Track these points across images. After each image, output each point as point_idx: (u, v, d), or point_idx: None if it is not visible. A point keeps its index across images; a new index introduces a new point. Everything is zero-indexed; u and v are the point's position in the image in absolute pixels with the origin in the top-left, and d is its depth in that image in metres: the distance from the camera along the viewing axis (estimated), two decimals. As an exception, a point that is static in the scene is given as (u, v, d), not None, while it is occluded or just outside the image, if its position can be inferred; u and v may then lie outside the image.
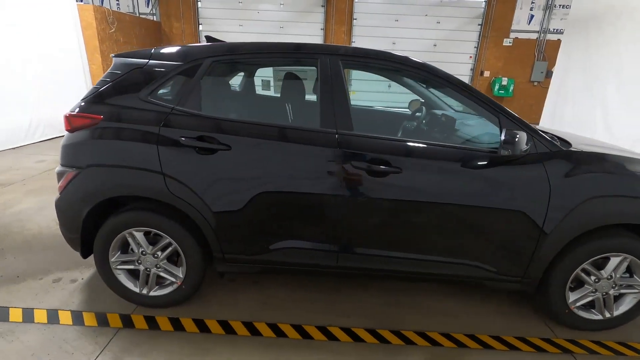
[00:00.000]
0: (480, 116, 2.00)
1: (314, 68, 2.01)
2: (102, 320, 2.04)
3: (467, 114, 2.58)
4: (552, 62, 8.81)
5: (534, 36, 10.06)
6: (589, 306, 2.09)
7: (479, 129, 2.20)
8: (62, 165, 2.00)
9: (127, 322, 2.04)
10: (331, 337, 2.00)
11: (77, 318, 2.06)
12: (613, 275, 1.99)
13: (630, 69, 5.93)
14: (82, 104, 1.98)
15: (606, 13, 6.76)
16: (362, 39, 10.18)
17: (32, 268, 2.52)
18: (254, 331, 2.01)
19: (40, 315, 2.06)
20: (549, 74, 9.34)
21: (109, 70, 2.03)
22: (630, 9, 6.29)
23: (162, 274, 2.09)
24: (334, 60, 1.94)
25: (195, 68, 1.95)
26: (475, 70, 10.29)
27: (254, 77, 2.75)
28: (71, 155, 1.97)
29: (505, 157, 1.81)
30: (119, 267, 2.08)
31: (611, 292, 2.03)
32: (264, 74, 4.64)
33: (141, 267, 2.08)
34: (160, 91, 1.97)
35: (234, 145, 1.86)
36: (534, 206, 1.85)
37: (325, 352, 1.89)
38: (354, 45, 10.18)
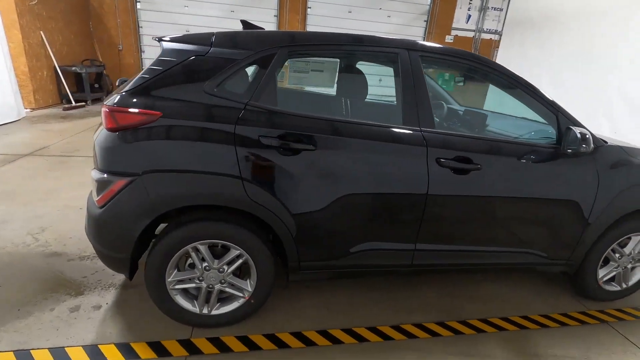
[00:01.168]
0: (537, 116, 2.12)
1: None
2: (160, 350, 1.76)
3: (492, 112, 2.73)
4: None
5: (471, 34, 10.99)
6: (610, 280, 2.40)
7: (526, 126, 2.35)
8: (105, 171, 1.64)
9: (191, 348, 1.79)
10: (409, 335, 2.01)
11: (128, 351, 1.74)
12: (632, 252, 2.32)
13: (560, 66, 6.83)
14: (129, 97, 1.64)
15: (539, 16, 7.65)
16: (316, 29, 10.08)
17: (31, 297, 2.05)
18: (333, 339, 1.92)
19: (78, 355, 1.70)
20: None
21: (158, 58, 1.70)
22: (555, 13, 7.20)
23: (227, 289, 1.86)
24: (414, 56, 1.89)
25: (269, 58, 1.74)
26: (422, 64, 10.91)
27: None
28: (120, 159, 1.63)
29: (570, 153, 1.96)
30: (176, 287, 1.80)
31: (629, 266, 2.37)
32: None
33: (203, 285, 1.82)
34: (228, 83, 1.71)
35: (320, 145, 1.71)
36: (585, 196, 2.05)
37: (412, 351, 1.89)
38: (307, 28, 10.06)
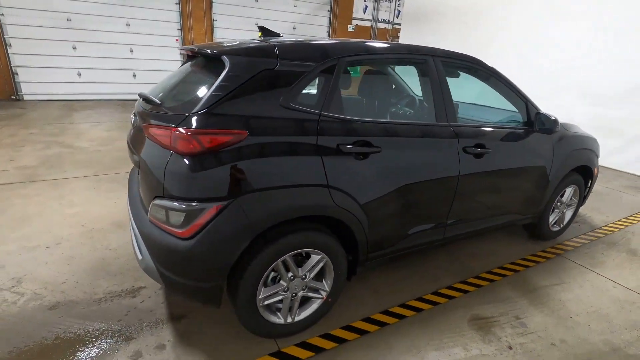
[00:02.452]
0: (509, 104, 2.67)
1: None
2: (260, 368, 1.75)
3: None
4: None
5: (368, 24, 11.93)
6: (554, 223, 3.20)
7: (498, 113, 2.90)
8: (193, 199, 1.52)
9: (287, 357, 1.83)
10: (448, 296, 2.39)
11: (229, 379, 1.69)
12: (567, 200, 3.14)
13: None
14: (206, 117, 1.54)
15: (432, 11, 8.82)
16: (224, 18, 9.63)
17: (82, 345, 1.75)
18: (397, 316, 2.17)
19: (180, 398, 1.58)
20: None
21: (226, 73, 1.61)
22: (444, 8, 8.44)
23: (308, 294, 1.93)
24: (437, 61, 2.18)
25: (332, 68, 1.81)
26: (329, 53, 11.44)
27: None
28: (210, 184, 1.53)
29: (540, 131, 2.56)
30: (264, 303, 1.80)
31: (565, 210, 3.20)
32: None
33: (288, 295, 1.86)
34: (300, 96, 1.73)
35: (384, 147, 1.90)
36: (547, 162, 2.71)
37: (458, 308, 2.27)
38: (215, 23, 9.56)
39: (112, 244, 2.73)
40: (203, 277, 1.62)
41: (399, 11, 12.19)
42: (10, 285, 2.22)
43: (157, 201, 1.61)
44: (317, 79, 1.80)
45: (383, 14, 12.05)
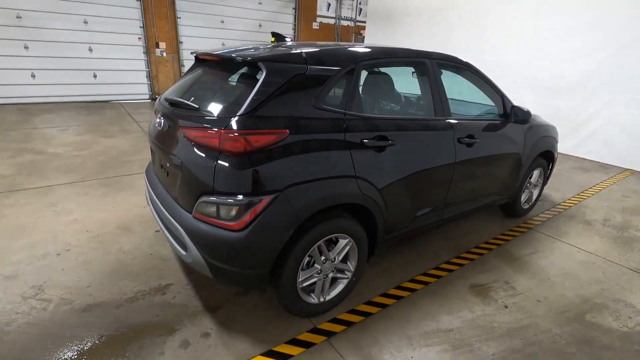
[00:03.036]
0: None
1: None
2: (303, 344, 1.95)
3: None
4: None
5: (332, 21, 12.20)
6: (524, 201, 3.66)
7: (480, 107, 3.27)
8: (244, 193, 1.68)
9: (324, 332, 2.03)
10: (447, 270, 2.71)
11: (277, 355, 1.86)
12: (534, 181, 3.61)
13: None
14: (251, 119, 1.69)
15: (395, 8, 9.25)
16: (188, 15, 9.44)
17: (122, 354, 1.83)
18: (408, 289, 2.45)
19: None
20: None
21: (264, 78, 1.76)
22: (405, 8, 8.91)
23: (337, 275, 2.15)
24: (433, 62, 2.47)
25: (352, 72, 2.02)
26: (296, 50, 11.56)
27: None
28: (259, 180, 1.68)
29: (515, 121, 2.95)
30: (302, 286, 1.98)
31: (533, 190, 3.67)
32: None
33: (321, 276, 2.06)
34: (328, 97, 1.93)
35: (397, 140, 2.15)
36: (520, 148, 3.12)
37: (459, 279, 2.60)
38: (179, 21, 9.34)
39: (125, 247, 2.76)
40: (253, 265, 1.78)
41: (361, 9, 12.58)
42: (34, 293, 2.22)
43: (204, 198, 1.74)
44: (342, 81, 2.00)
45: (346, 12, 12.37)
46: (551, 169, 3.81)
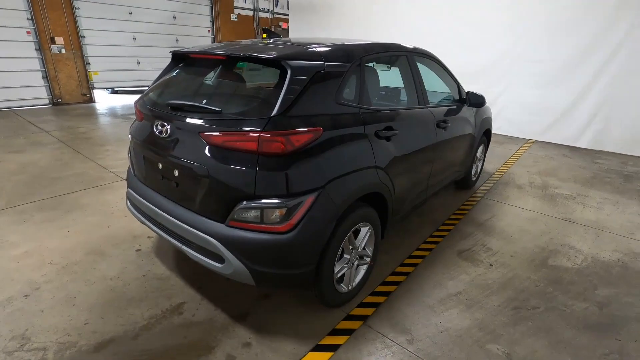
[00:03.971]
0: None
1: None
2: (345, 332, 2.02)
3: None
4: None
5: (250, 13, 11.89)
6: (474, 174, 4.20)
7: (440, 95, 3.62)
8: (292, 195, 1.66)
9: (359, 317, 2.13)
10: (434, 242, 3.03)
11: (327, 348, 1.91)
12: (479, 156, 4.18)
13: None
14: (287, 119, 1.67)
15: (319, 3, 9.43)
16: (88, 5, 8.29)
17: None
18: (409, 265, 2.68)
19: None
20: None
21: (291, 77, 1.74)
22: (330, 2, 9.17)
23: (360, 261, 2.25)
24: (411, 55, 2.68)
25: (359, 67, 2.10)
26: (216, 40, 11.04)
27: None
28: (304, 178, 1.68)
29: (470, 105, 3.38)
30: (337, 277, 2.04)
31: (478, 164, 4.23)
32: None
33: (349, 265, 2.14)
34: (345, 92, 1.98)
35: (400, 129, 2.32)
36: (474, 129, 3.58)
37: (445, 248, 2.93)
38: (78, 12, 8.17)
39: (109, 273, 2.45)
40: (301, 264, 1.78)
41: (278, 1, 12.49)
42: (19, 345, 1.86)
43: (244, 204, 1.67)
44: (351, 77, 2.07)
45: (263, 3, 12.16)
46: (489, 145, 4.43)
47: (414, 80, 2.67)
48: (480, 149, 4.13)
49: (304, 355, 1.86)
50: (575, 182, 4.61)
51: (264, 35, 2.76)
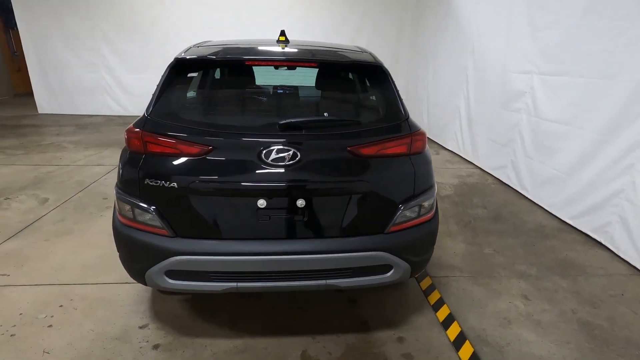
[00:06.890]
0: None
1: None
2: (439, 303, 2.31)
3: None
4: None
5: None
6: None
7: None
8: (432, 183, 1.86)
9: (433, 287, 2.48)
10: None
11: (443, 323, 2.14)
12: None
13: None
14: (408, 121, 1.85)
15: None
16: None
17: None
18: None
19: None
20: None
21: (391, 80, 1.94)
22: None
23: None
24: None
25: None
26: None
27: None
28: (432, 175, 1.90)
29: None
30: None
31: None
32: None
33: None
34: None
35: None
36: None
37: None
38: None
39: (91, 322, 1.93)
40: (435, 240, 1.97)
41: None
42: None
43: (406, 205, 1.75)
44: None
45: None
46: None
47: None
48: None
49: (447, 329, 2.07)
50: None
51: (282, 38, 2.48)
